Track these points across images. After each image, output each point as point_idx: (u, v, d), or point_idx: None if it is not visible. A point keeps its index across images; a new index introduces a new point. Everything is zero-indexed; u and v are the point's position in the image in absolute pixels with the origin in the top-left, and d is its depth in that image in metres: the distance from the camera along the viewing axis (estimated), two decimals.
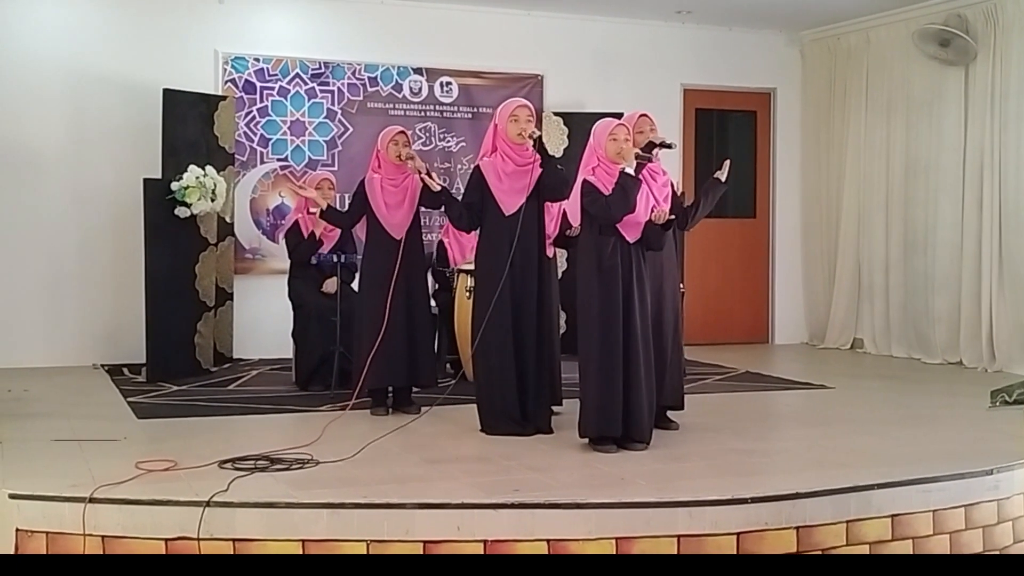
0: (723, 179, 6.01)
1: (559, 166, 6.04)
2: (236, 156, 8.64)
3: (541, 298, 5.84)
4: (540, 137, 5.75)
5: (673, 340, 5.99)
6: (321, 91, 9.02)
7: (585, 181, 5.39)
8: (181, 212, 7.58)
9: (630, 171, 5.33)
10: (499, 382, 5.75)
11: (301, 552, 4.17)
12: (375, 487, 4.53)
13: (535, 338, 5.79)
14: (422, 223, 6.69)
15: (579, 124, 9.35)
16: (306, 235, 7.39)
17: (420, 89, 9.32)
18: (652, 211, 5.42)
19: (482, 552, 4.20)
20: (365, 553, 4.17)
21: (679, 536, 4.31)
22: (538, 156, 5.71)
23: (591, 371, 5.38)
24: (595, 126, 5.56)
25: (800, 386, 7.74)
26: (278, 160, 8.89)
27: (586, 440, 5.45)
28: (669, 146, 5.88)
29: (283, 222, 8.17)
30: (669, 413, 6.07)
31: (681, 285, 6.59)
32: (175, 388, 7.29)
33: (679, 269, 6.23)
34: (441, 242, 8.10)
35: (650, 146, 5.77)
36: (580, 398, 5.47)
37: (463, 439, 5.69)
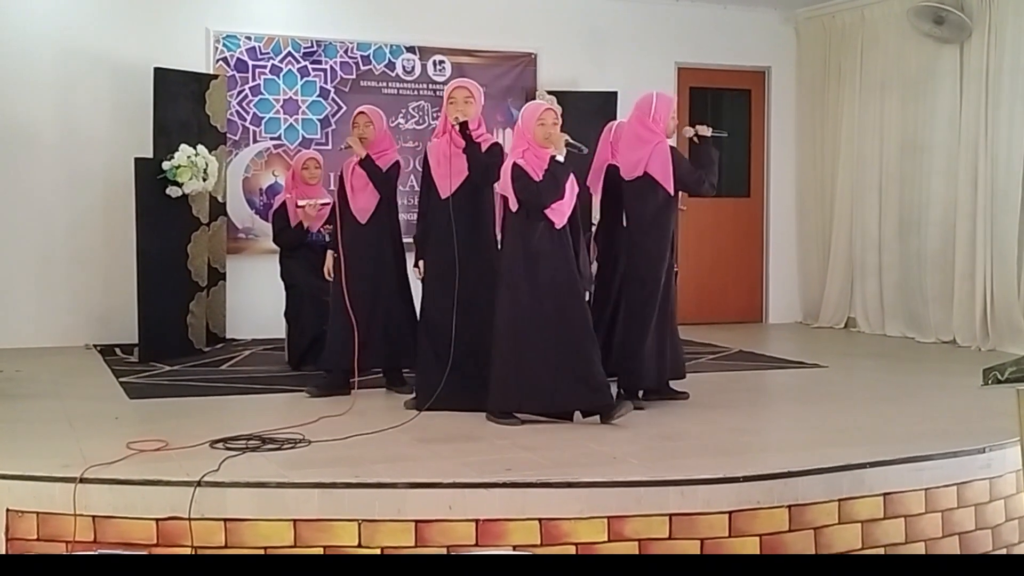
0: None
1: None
2: (228, 135, 8.60)
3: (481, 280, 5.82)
4: (465, 122, 5.69)
5: (670, 316, 6.08)
6: (314, 69, 8.98)
7: (515, 165, 5.47)
8: (173, 192, 7.55)
9: (560, 157, 5.44)
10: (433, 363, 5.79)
11: (292, 532, 4.17)
12: (367, 467, 4.53)
13: (478, 320, 5.73)
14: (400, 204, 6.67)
15: (573, 103, 9.32)
16: (293, 224, 7.37)
17: (413, 67, 9.28)
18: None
19: (474, 531, 4.20)
20: (356, 533, 4.17)
21: (671, 515, 4.31)
22: (462, 140, 5.70)
23: (504, 348, 5.48)
24: (523, 110, 5.74)
25: (793, 365, 7.74)
26: (271, 139, 8.86)
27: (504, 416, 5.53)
28: (724, 135, 6.34)
29: (274, 201, 8.15)
30: (674, 382, 6.20)
31: (676, 264, 6.62)
32: (167, 368, 7.28)
33: (671, 248, 6.20)
34: None
35: (702, 139, 6.11)
36: (492, 373, 5.55)
37: (455, 419, 5.66)
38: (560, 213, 5.48)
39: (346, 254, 6.24)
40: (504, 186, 5.55)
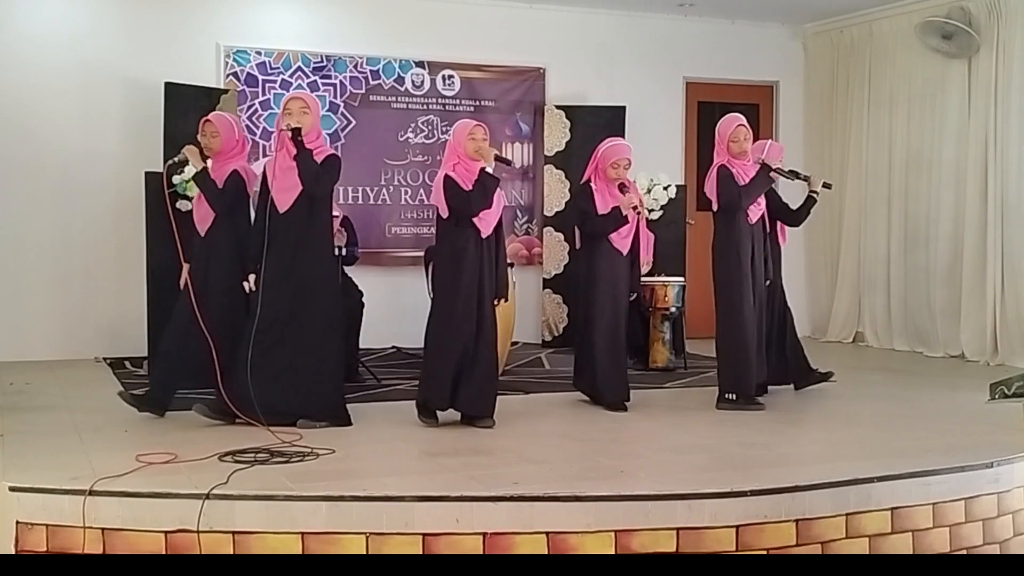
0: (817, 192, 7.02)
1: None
2: None
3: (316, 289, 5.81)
4: (298, 129, 5.62)
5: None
6: (323, 84, 9.02)
7: (447, 176, 5.79)
8: (183, 205, 7.56)
9: (490, 170, 5.78)
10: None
11: (300, 545, 4.17)
12: (374, 480, 4.54)
13: (312, 332, 5.72)
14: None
15: (581, 117, 9.37)
16: None
17: (422, 82, 9.32)
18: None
19: (481, 545, 4.20)
20: (364, 546, 4.18)
21: (678, 529, 4.31)
22: (294, 148, 5.64)
23: (434, 347, 5.84)
24: (455, 126, 6.05)
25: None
26: None
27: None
28: (790, 175, 6.77)
29: None
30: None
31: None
32: None
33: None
34: None
35: (767, 168, 6.49)
36: (426, 369, 5.90)
37: (462, 432, 5.69)
38: (487, 223, 5.82)
39: (190, 265, 6.03)
40: (436, 196, 5.85)
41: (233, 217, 6.01)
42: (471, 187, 5.75)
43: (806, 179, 7.10)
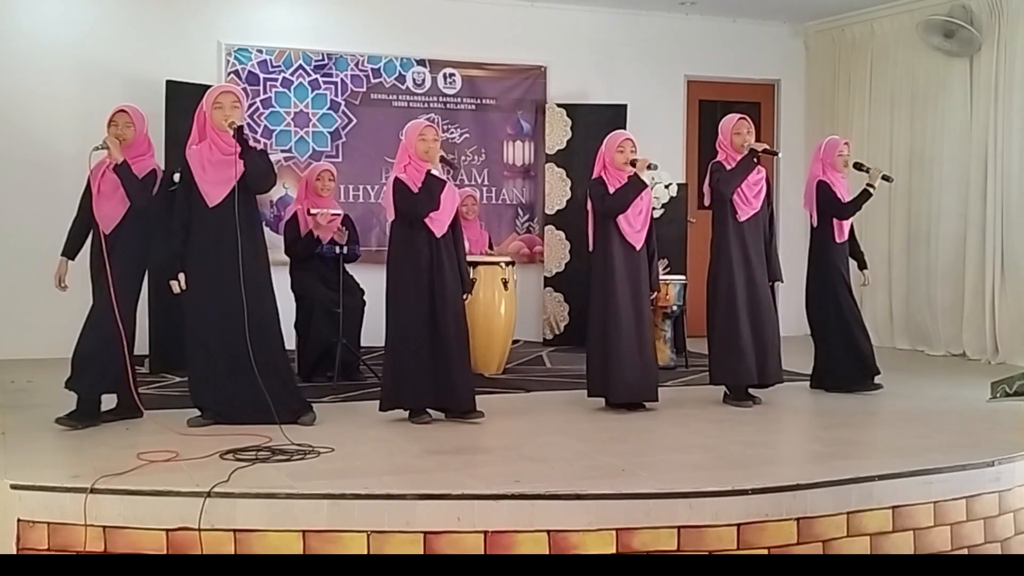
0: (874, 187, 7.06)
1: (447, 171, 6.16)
2: None
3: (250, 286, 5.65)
4: (241, 127, 5.53)
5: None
6: (324, 82, 9.03)
7: (397, 179, 5.84)
8: None
9: (436, 172, 5.82)
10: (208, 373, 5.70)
11: (301, 543, 4.17)
12: (375, 478, 4.54)
13: (243, 331, 5.56)
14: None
15: (582, 116, 9.37)
16: (303, 233, 7.37)
17: (423, 80, 9.32)
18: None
19: (482, 543, 4.20)
20: (365, 544, 4.18)
21: (679, 527, 4.31)
22: (239, 146, 5.53)
23: (394, 348, 5.82)
24: (407, 126, 6.03)
25: (802, 378, 7.71)
26: (282, 151, 8.90)
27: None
28: (774, 153, 6.91)
29: (284, 213, 8.17)
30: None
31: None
32: (177, 379, 7.29)
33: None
34: None
35: (752, 153, 6.45)
36: (383, 373, 5.93)
37: (463, 430, 5.70)
38: (439, 223, 5.84)
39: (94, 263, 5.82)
40: (384, 199, 5.94)
41: (144, 216, 5.80)
42: (418, 189, 5.77)
43: (867, 171, 7.09)
